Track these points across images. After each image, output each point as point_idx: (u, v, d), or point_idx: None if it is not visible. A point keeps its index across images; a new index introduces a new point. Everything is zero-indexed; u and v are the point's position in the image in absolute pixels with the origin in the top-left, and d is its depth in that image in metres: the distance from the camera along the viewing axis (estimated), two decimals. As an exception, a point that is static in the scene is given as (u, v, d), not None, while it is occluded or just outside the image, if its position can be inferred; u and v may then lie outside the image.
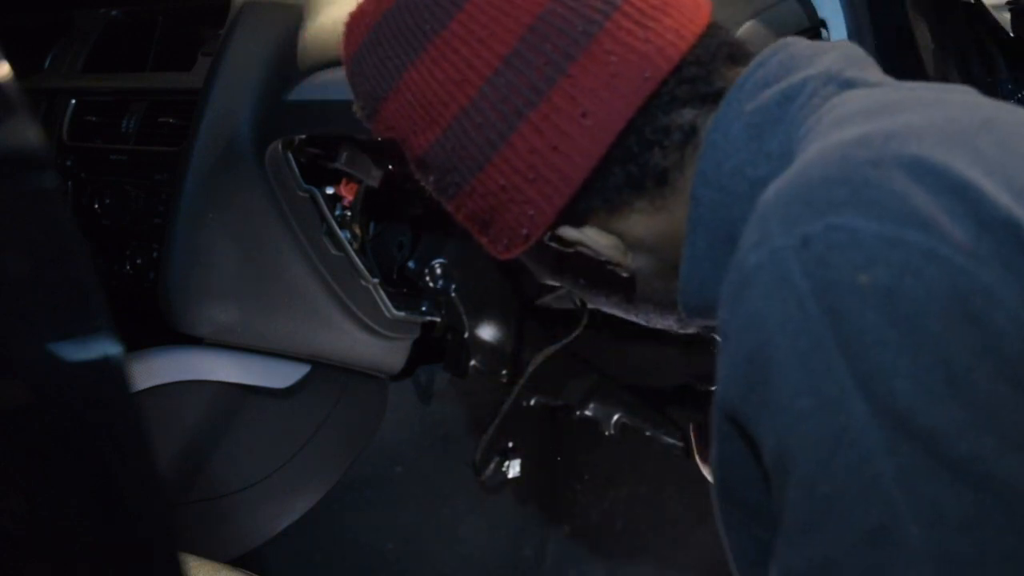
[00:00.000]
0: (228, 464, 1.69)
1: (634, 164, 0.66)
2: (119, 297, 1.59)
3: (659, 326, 0.77)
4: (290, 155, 1.45)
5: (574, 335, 1.70)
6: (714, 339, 1.16)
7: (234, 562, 1.23)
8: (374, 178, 1.50)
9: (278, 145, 1.43)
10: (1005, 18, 1.25)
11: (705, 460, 1.13)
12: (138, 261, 1.57)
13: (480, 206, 0.69)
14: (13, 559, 0.46)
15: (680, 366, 1.82)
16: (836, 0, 1.16)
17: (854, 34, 1.15)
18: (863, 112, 0.58)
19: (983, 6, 1.27)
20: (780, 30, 1.14)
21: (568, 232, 0.69)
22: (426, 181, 0.72)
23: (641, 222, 0.68)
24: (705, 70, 0.66)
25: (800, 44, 0.67)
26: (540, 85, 0.64)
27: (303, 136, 1.43)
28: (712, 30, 0.68)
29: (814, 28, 1.18)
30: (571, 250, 0.70)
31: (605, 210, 0.68)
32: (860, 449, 0.47)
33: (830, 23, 1.17)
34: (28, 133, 0.44)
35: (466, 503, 1.93)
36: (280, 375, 1.73)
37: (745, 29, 1.11)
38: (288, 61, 1.42)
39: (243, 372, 1.68)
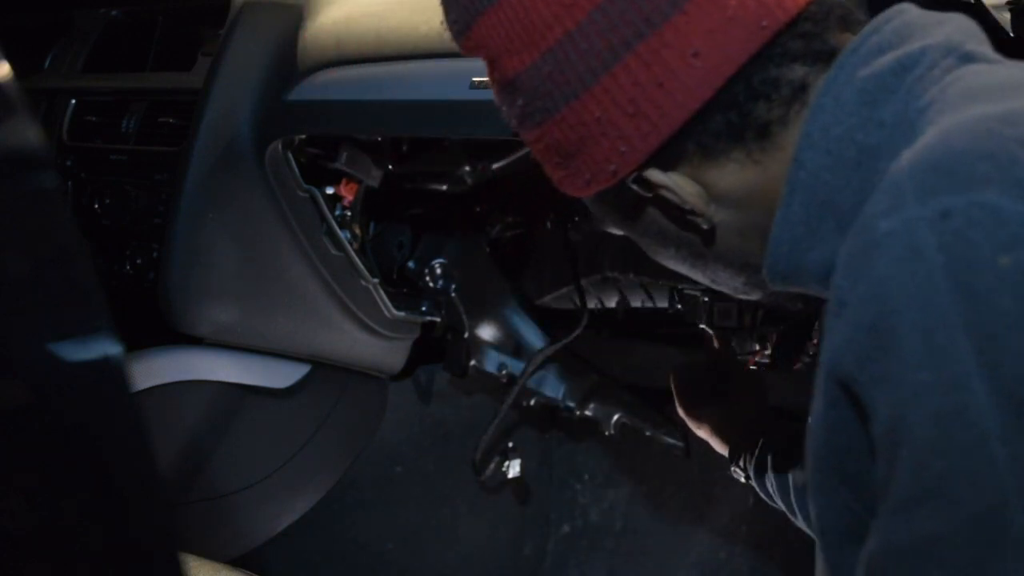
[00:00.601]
0: (228, 464, 1.69)
1: (737, 113, 0.64)
2: (119, 297, 1.59)
3: (723, 288, 0.76)
4: (290, 155, 1.45)
5: (574, 335, 1.70)
6: (703, 332, 1.15)
7: (234, 562, 1.23)
8: (374, 178, 1.50)
9: (278, 145, 1.43)
10: (1005, 18, 1.24)
11: (688, 413, 1.12)
12: (138, 261, 1.57)
13: (568, 137, 0.67)
14: (13, 559, 0.46)
15: (680, 366, 1.82)
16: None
17: (854, 34, 1.15)
18: (996, 88, 0.57)
19: (983, 6, 1.27)
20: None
21: (655, 175, 0.67)
22: (510, 106, 0.70)
23: (733, 174, 0.66)
24: (819, 28, 0.65)
25: (914, 12, 0.65)
26: (654, 18, 0.62)
27: (303, 136, 1.43)
28: None
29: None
30: (650, 195, 0.68)
31: (698, 156, 0.66)
32: (977, 430, 0.47)
33: (830, 23, 1.16)
34: (28, 133, 0.44)
35: (466, 503, 1.93)
36: (280, 375, 1.73)
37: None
38: (288, 61, 1.42)
39: (243, 372, 1.68)
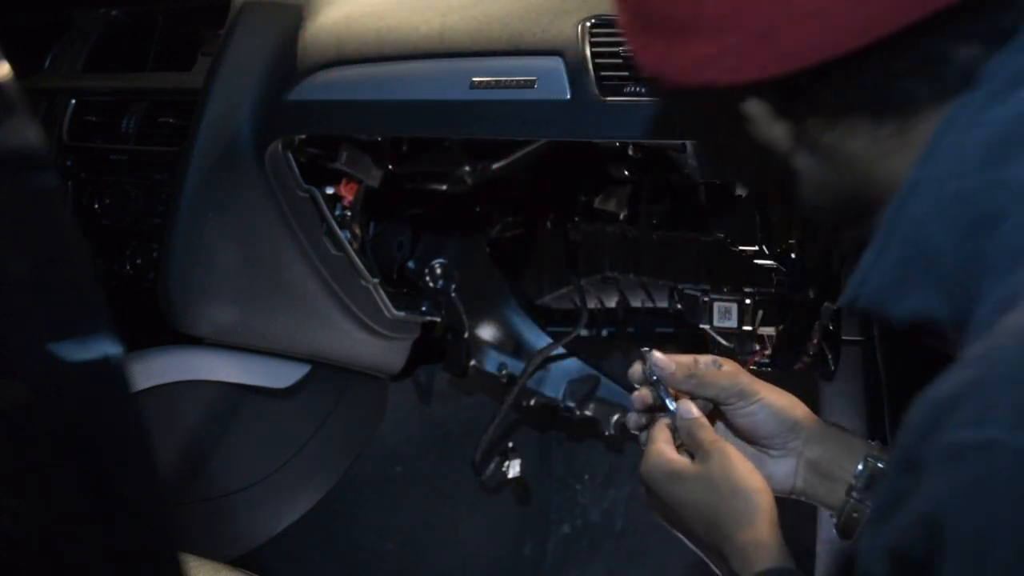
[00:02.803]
0: (228, 464, 1.69)
1: (878, 77, 0.56)
2: (119, 297, 1.59)
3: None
4: (290, 155, 1.45)
5: (574, 335, 1.70)
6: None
7: (234, 562, 1.23)
8: (374, 178, 1.50)
9: (278, 145, 1.43)
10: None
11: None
12: (138, 261, 1.57)
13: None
14: (13, 559, 0.46)
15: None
16: (836, 0, 1.15)
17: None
18: None
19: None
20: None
21: (751, 106, 0.62)
22: None
23: (847, 136, 0.59)
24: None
25: None
26: None
27: (303, 136, 1.43)
28: None
29: (814, 28, 1.18)
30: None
31: (823, 105, 0.59)
32: None
33: (830, 23, 1.16)
34: (28, 133, 0.44)
35: (466, 503, 1.93)
36: (280, 375, 1.73)
37: (745, 29, 1.10)
38: (288, 61, 1.42)
39: (243, 372, 1.68)
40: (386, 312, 1.63)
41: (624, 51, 1.12)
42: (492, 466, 1.72)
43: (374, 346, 1.68)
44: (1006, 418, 0.44)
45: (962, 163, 0.53)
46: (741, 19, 0.55)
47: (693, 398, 0.88)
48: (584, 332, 1.72)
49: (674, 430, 0.87)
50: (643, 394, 0.90)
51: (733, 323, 1.37)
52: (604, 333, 1.75)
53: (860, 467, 0.84)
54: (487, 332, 1.75)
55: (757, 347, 1.37)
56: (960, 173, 0.53)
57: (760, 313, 1.35)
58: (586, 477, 1.99)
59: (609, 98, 1.12)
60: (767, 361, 1.35)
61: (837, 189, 0.62)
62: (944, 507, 0.46)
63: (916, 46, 0.54)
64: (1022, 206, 0.50)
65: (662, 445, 0.86)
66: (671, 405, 0.87)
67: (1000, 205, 0.51)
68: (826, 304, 1.25)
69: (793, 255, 1.30)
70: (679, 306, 1.47)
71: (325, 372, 1.77)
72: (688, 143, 1.10)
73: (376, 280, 1.58)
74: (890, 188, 0.58)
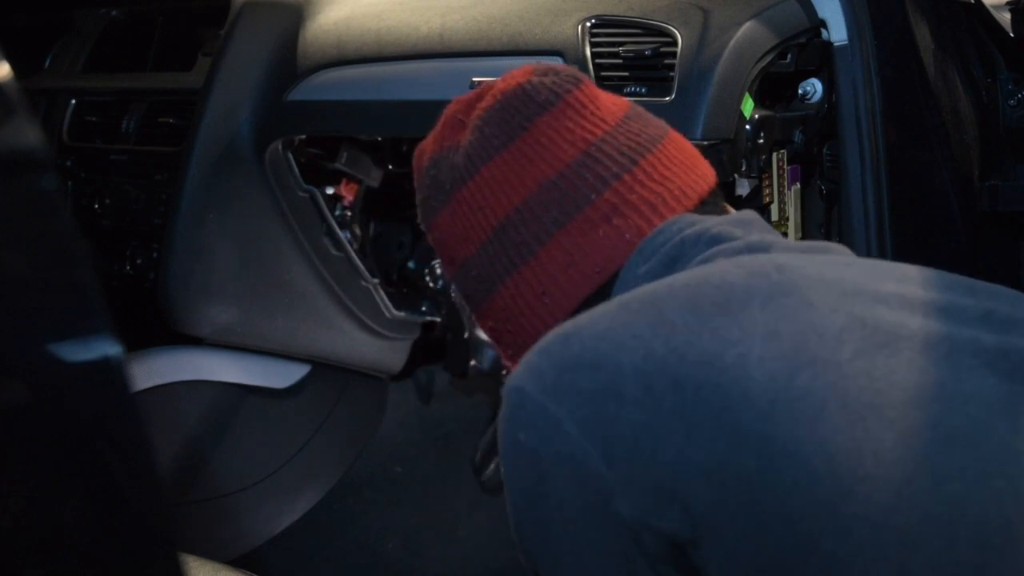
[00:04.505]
0: (228, 464, 1.69)
1: None
2: (119, 297, 1.59)
3: None
4: (290, 155, 1.45)
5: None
6: None
7: (234, 562, 1.23)
8: (374, 178, 1.50)
9: (278, 145, 1.43)
10: (1005, 18, 1.25)
11: None
12: (138, 261, 1.57)
13: (487, 328, 0.84)
14: (13, 559, 0.46)
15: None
16: (836, 0, 1.16)
17: (854, 34, 1.15)
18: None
19: (983, 6, 1.27)
20: (780, 30, 1.14)
21: None
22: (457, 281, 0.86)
23: None
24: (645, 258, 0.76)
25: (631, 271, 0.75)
26: (515, 260, 0.77)
27: (303, 136, 1.43)
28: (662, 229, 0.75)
29: (814, 28, 1.18)
30: None
31: None
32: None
33: (830, 23, 1.17)
34: (28, 133, 0.44)
35: (466, 503, 1.93)
36: (280, 375, 1.73)
37: (745, 29, 1.11)
38: (288, 61, 1.42)
39: (243, 372, 1.68)
40: (386, 312, 1.63)
41: (624, 51, 1.12)
42: (492, 466, 1.72)
43: (374, 346, 1.68)
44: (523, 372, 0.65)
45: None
46: (502, 331, 0.82)
47: None
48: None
49: None
50: None
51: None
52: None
53: None
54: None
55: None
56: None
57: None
58: (586, 477, 1.99)
59: (609, 98, 1.12)
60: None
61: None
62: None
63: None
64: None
65: None
66: None
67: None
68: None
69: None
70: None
71: (325, 372, 1.77)
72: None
73: (376, 280, 1.58)
74: None
